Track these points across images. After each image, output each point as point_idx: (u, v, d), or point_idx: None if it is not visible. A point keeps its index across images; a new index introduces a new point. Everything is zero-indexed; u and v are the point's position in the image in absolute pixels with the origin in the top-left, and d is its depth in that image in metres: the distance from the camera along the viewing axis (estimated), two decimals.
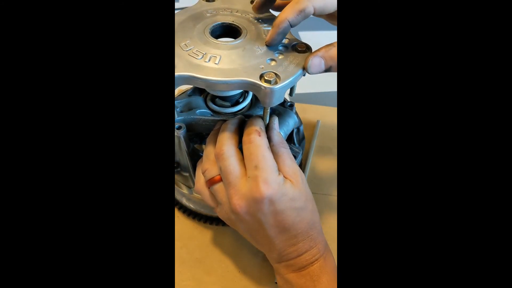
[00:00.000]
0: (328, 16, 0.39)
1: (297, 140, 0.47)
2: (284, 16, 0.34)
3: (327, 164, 0.58)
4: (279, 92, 0.33)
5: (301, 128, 0.47)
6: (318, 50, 0.35)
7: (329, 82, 0.74)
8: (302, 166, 0.56)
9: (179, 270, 0.46)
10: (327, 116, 0.65)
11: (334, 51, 0.35)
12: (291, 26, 0.35)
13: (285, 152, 0.37)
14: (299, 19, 0.34)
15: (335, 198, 0.54)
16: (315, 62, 0.35)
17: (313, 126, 0.63)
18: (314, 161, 0.59)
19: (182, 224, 0.50)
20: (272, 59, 0.35)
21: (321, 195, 0.54)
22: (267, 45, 0.36)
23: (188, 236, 0.49)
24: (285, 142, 0.39)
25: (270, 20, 0.40)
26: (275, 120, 0.40)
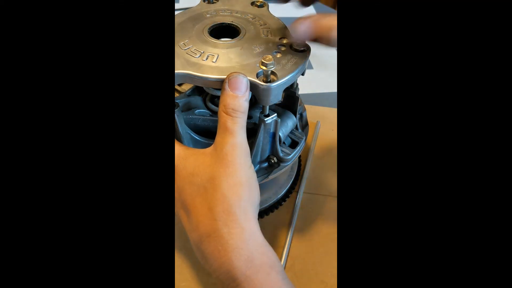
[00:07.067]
0: None
1: (300, 126, 0.46)
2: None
3: (327, 164, 0.58)
4: (276, 90, 0.33)
5: (305, 114, 0.47)
6: (310, 16, 0.33)
7: (329, 83, 0.74)
8: (302, 166, 0.56)
9: (179, 271, 0.46)
10: (327, 117, 0.65)
11: (326, 21, 0.31)
12: None
13: (228, 119, 0.31)
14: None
15: (335, 198, 0.53)
16: (301, 27, 0.32)
17: (313, 127, 0.63)
18: (314, 161, 0.58)
19: (181, 224, 0.50)
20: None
21: (321, 195, 0.54)
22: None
23: (187, 236, 0.49)
24: (241, 107, 0.32)
25: (270, 21, 0.40)
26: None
